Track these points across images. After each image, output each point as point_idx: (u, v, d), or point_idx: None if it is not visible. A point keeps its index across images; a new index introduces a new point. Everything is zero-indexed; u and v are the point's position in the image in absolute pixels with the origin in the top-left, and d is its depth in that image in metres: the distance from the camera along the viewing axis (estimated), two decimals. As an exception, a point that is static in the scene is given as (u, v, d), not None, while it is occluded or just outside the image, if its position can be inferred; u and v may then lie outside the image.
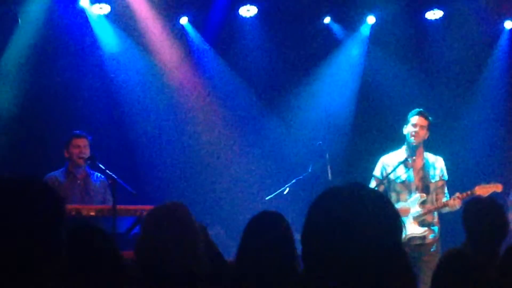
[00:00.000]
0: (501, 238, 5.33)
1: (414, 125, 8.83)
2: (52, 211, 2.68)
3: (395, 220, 2.25)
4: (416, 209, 8.76)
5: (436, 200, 8.85)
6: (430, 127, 8.90)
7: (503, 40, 12.02)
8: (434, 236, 8.84)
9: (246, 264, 4.26)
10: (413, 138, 8.81)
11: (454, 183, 9.09)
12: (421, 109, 8.95)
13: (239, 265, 4.30)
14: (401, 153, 8.97)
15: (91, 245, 3.41)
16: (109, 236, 3.64)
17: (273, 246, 4.23)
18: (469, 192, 8.61)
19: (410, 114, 8.92)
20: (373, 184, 8.96)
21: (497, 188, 8.70)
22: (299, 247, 7.84)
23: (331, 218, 2.21)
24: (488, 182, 8.74)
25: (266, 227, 4.34)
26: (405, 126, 8.92)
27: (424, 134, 8.85)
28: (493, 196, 7.54)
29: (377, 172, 9.05)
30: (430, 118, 8.93)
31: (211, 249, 4.65)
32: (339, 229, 2.18)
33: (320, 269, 2.21)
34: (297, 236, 8.82)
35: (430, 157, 9.00)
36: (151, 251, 3.92)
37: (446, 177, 8.97)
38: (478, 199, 5.85)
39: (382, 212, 2.23)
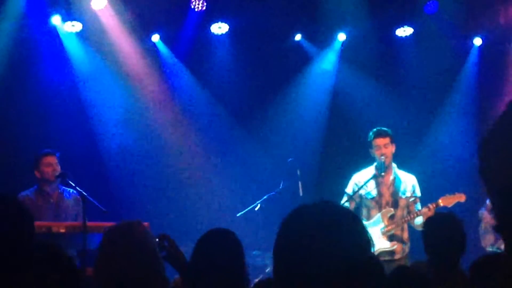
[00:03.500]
0: (459, 253, 5.39)
1: (378, 148, 8.87)
2: (22, 226, 2.70)
3: (363, 236, 2.28)
4: (384, 224, 8.79)
5: (409, 213, 8.87)
6: (394, 139, 8.95)
7: (472, 57, 12.13)
8: (403, 253, 8.86)
9: (196, 278, 4.32)
10: (383, 158, 8.85)
11: (424, 197, 9.14)
12: (377, 129, 8.99)
13: (189, 281, 4.36)
14: (372, 170, 9.02)
15: (49, 263, 3.41)
16: (65, 254, 3.66)
17: (221, 262, 4.30)
18: (434, 204, 8.65)
19: (368, 137, 8.98)
20: (344, 200, 8.98)
21: (461, 198, 8.76)
22: (269, 263, 7.86)
23: (301, 236, 2.24)
24: (452, 193, 8.80)
25: (214, 243, 4.41)
26: (370, 149, 8.97)
27: (391, 150, 8.90)
28: (461, 209, 7.60)
29: (349, 189, 9.09)
30: (388, 131, 8.98)
31: (179, 259, 4.68)
32: (309, 247, 2.21)
33: (291, 285, 2.25)
34: (267, 252, 8.83)
35: (401, 174, 9.05)
36: (108, 269, 3.94)
37: (418, 194, 9.01)
38: (437, 214, 5.94)
39: (350, 229, 2.27)
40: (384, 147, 8.86)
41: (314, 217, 2.28)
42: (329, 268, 2.18)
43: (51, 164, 8.72)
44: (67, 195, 8.86)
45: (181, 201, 11.65)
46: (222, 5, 11.32)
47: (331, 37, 12.05)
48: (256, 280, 6.98)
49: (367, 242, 2.27)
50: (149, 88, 11.76)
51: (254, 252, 9.81)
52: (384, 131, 8.95)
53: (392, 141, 8.91)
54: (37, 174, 8.76)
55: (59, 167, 8.69)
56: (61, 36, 10.90)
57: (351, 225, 2.28)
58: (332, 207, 2.33)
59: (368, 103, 11.89)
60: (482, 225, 9.87)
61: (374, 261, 2.31)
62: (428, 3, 11.28)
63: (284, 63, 12.04)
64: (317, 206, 2.32)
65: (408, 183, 9.00)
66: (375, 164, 9.00)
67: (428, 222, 5.84)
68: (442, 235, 5.42)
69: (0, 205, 2.75)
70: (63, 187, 8.86)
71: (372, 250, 2.29)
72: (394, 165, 9.04)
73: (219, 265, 4.29)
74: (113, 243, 4.02)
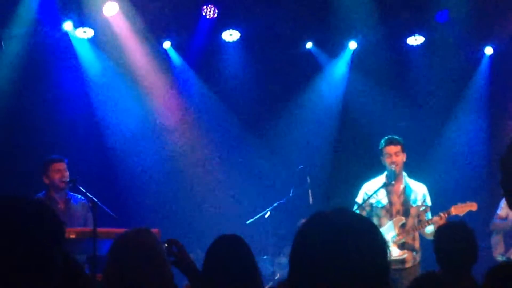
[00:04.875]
0: (471, 263, 5.37)
1: (389, 155, 8.83)
2: (54, 232, 2.71)
3: (380, 245, 2.28)
4: (395, 232, 8.76)
5: (419, 221, 8.83)
6: (405, 148, 8.92)
7: (483, 66, 12.13)
8: (414, 261, 8.81)
9: (209, 284, 4.33)
10: (393, 166, 8.81)
11: (436, 205, 9.10)
12: (388, 137, 8.95)
13: (203, 285, 4.38)
14: (382, 179, 8.98)
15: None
16: (75, 260, 3.67)
17: (232, 266, 4.31)
18: (446, 213, 8.60)
19: (380, 144, 8.93)
20: (354, 210, 8.94)
21: (473, 207, 8.69)
22: (278, 271, 7.84)
23: (319, 242, 2.24)
24: (464, 202, 8.74)
25: (224, 250, 4.42)
26: (381, 157, 8.94)
27: (402, 158, 8.87)
28: (473, 220, 7.57)
29: (359, 199, 9.01)
30: (400, 139, 8.94)
31: (188, 264, 4.68)
32: (326, 253, 2.21)
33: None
34: (277, 259, 8.83)
35: (412, 183, 8.99)
36: (117, 275, 3.96)
37: (428, 203, 8.94)
38: (448, 224, 5.91)
39: (368, 236, 2.27)
40: (394, 155, 8.83)
41: (332, 223, 2.29)
42: (346, 275, 2.19)
43: (60, 171, 8.71)
44: (75, 201, 8.85)
45: (191, 207, 11.66)
46: (233, 13, 11.34)
47: (342, 45, 12.07)
48: (267, 287, 6.98)
49: (385, 249, 2.28)
50: (160, 95, 11.78)
51: (264, 257, 9.82)
52: (396, 139, 8.92)
53: (403, 150, 8.88)
54: (45, 180, 8.75)
55: (68, 173, 8.71)
56: (73, 42, 10.93)
57: (369, 232, 2.28)
58: (350, 214, 2.35)
59: (379, 111, 11.88)
60: (494, 235, 9.86)
61: (388, 272, 2.30)
62: (439, 12, 11.27)
63: (295, 70, 12.05)
64: (335, 213, 2.33)
65: (419, 192, 8.95)
66: (385, 172, 8.97)
67: (439, 231, 5.81)
68: (453, 244, 5.39)
69: (36, 210, 2.75)
70: (71, 193, 8.86)
71: (389, 258, 2.29)
72: (404, 174, 9.00)
73: (232, 271, 4.31)
74: (122, 250, 4.04)
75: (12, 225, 2.62)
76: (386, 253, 2.27)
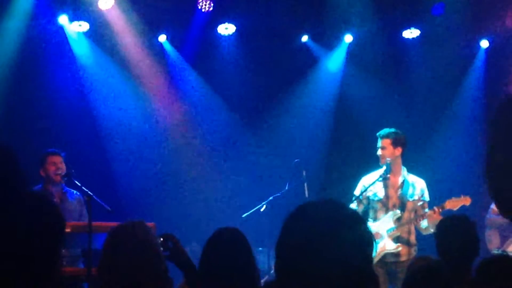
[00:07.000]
0: (472, 256, 5.37)
1: (377, 149, 8.89)
2: (56, 226, 2.71)
3: (366, 238, 2.28)
4: (391, 225, 8.76)
5: (416, 216, 8.83)
6: (397, 142, 8.89)
7: (478, 59, 12.14)
8: (410, 255, 8.80)
9: (207, 278, 4.34)
10: (380, 159, 8.88)
11: (430, 200, 9.10)
12: (382, 131, 8.95)
13: (201, 279, 4.38)
14: (380, 173, 8.98)
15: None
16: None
17: (231, 260, 4.31)
18: (440, 207, 8.61)
19: None
20: (353, 204, 8.94)
21: (466, 201, 8.70)
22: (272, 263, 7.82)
23: (305, 233, 2.25)
24: (458, 196, 8.75)
25: (223, 242, 4.42)
26: None
27: (389, 153, 8.84)
28: (467, 213, 7.59)
29: (357, 192, 9.03)
30: (392, 134, 8.89)
31: (183, 259, 4.68)
32: (311, 244, 2.22)
33: (292, 282, 2.25)
34: (272, 253, 8.84)
35: (411, 177, 8.98)
36: (111, 269, 3.95)
37: (426, 198, 8.93)
38: (450, 217, 5.91)
39: (354, 229, 2.27)
40: (381, 149, 8.87)
41: (318, 215, 2.30)
42: (329, 265, 2.20)
43: (55, 164, 8.73)
44: (70, 196, 8.87)
45: (186, 201, 11.66)
46: (229, 6, 11.33)
47: (338, 39, 12.06)
48: (262, 280, 6.97)
49: (369, 243, 2.28)
50: (155, 88, 11.77)
51: (259, 249, 9.81)
52: (382, 132, 8.92)
53: (393, 143, 8.86)
54: (42, 173, 8.79)
55: (64, 166, 8.72)
56: (68, 36, 10.92)
57: (353, 225, 2.29)
58: (336, 206, 2.35)
59: (374, 105, 11.88)
60: (488, 229, 9.86)
61: (371, 265, 2.31)
62: (435, 5, 11.27)
63: (290, 64, 12.04)
64: (322, 204, 2.34)
65: (417, 186, 8.94)
66: (384, 166, 8.97)
67: (441, 224, 5.81)
68: (455, 238, 5.39)
69: (39, 204, 2.74)
70: (67, 188, 8.88)
71: (374, 252, 2.30)
72: (404, 168, 8.99)
73: (230, 264, 4.32)
74: (116, 243, 4.03)
75: (13, 219, 2.61)
76: (371, 245, 2.28)
